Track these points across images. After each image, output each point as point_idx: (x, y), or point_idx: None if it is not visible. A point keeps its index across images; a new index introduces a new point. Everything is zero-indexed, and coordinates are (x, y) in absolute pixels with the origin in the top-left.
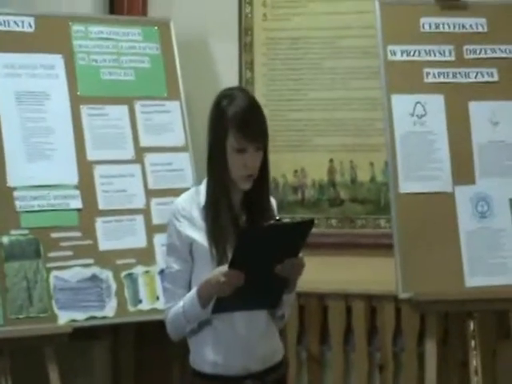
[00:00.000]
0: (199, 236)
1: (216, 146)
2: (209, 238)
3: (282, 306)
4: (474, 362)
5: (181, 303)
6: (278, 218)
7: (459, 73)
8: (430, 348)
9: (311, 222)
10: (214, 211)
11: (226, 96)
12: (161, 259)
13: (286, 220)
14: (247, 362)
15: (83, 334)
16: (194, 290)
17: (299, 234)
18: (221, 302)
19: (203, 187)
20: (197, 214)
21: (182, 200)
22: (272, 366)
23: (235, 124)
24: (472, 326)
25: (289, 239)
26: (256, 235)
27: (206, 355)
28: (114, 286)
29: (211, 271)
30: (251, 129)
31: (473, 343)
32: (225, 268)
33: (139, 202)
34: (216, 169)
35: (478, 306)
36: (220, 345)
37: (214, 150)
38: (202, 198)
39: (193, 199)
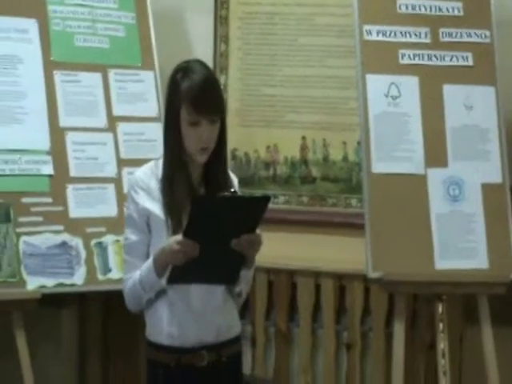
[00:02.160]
0: (156, 208)
1: (171, 119)
2: (165, 210)
3: (240, 283)
4: (442, 344)
5: (138, 272)
6: (232, 190)
7: (434, 55)
8: (398, 329)
9: (267, 198)
10: (170, 184)
11: (182, 68)
12: None
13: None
14: (202, 334)
15: (52, 301)
16: (150, 259)
17: (255, 210)
18: (176, 271)
19: (162, 160)
20: (154, 186)
21: (140, 172)
22: (227, 340)
23: (188, 97)
24: (440, 308)
25: (244, 214)
26: (210, 204)
27: (162, 327)
28: (83, 254)
29: None
30: (204, 102)
31: (441, 326)
32: (179, 237)
33: (111, 171)
34: (171, 142)
35: (446, 288)
36: (175, 317)
37: (169, 122)
38: (161, 171)
39: (152, 172)
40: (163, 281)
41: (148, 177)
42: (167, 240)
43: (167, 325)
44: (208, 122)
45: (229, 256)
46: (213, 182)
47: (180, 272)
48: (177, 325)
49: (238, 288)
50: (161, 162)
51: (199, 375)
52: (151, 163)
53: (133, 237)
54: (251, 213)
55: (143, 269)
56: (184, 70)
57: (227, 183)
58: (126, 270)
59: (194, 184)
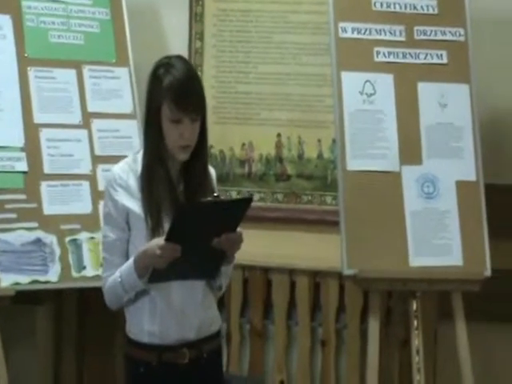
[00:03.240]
0: (135, 205)
1: (151, 115)
2: (144, 208)
3: (220, 277)
4: (416, 341)
5: (118, 273)
6: (216, 194)
7: (409, 53)
8: (373, 325)
9: (249, 199)
10: (149, 181)
11: (164, 64)
12: None
13: (224, 197)
14: (182, 331)
15: (26, 298)
16: (131, 260)
17: (237, 211)
18: (157, 271)
19: (140, 155)
20: (133, 183)
21: (118, 168)
22: (208, 335)
23: (170, 95)
24: (415, 305)
25: (227, 215)
26: (194, 211)
27: (143, 325)
28: (58, 251)
29: (147, 240)
30: (186, 101)
31: (415, 323)
32: (161, 241)
33: (85, 168)
34: (151, 138)
35: (420, 285)
36: (156, 315)
37: (150, 118)
38: (140, 166)
39: (130, 167)
40: (145, 281)
41: (126, 173)
42: (149, 243)
43: (148, 323)
44: (189, 121)
45: (209, 253)
46: (192, 179)
47: (161, 272)
48: (158, 323)
49: (219, 282)
50: (139, 157)
51: (181, 372)
52: (129, 158)
53: (111, 235)
54: (233, 214)
55: (123, 269)
56: (166, 65)
57: (207, 182)
58: (106, 268)
59: (173, 180)
